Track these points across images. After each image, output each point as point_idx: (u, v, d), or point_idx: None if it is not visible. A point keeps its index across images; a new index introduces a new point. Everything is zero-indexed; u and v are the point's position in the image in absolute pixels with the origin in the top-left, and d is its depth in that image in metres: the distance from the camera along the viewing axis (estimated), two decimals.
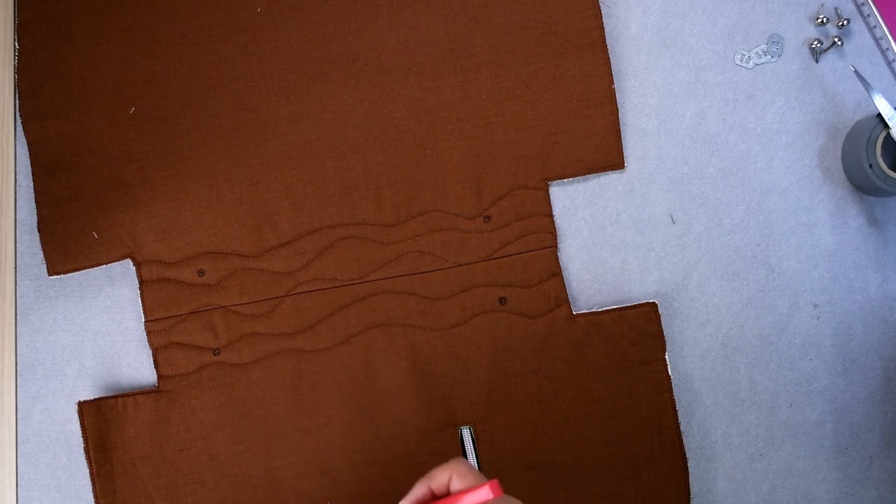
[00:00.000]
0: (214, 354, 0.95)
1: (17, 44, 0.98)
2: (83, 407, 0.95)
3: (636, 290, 0.96)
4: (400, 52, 0.96)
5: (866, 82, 0.93)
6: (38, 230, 0.97)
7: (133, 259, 0.96)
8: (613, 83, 0.95)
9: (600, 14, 0.95)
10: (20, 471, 0.98)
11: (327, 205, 0.95)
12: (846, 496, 0.96)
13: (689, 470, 0.94)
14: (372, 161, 0.95)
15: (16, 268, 0.99)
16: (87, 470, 0.95)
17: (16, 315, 0.99)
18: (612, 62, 0.95)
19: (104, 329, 0.98)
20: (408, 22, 0.96)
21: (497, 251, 0.95)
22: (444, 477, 0.73)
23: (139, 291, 0.96)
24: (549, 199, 0.95)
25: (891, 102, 0.90)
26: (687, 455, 0.94)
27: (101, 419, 0.95)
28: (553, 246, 0.95)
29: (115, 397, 0.95)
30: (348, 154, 0.95)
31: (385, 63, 0.96)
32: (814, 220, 0.96)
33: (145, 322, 0.96)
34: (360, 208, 0.95)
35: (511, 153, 0.95)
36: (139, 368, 0.98)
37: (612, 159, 0.95)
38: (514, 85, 0.95)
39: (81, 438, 0.96)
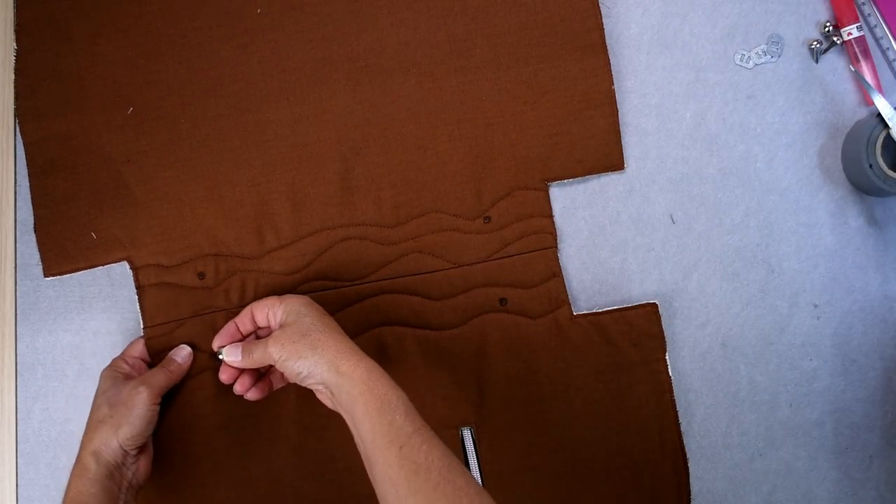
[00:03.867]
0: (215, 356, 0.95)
1: (15, 44, 0.98)
2: None
3: (636, 291, 0.96)
4: (400, 54, 0.95)
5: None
6: (35, 231, 0.96)
7: (130, 263, 0.96)
8: (613, 84, 0.95)
9: (600, 15, 0.95)
10: (20, 471, 0.98)
11: (328, 206, 0.95)
12: (846, 496, 0.96)
13: (690, 470, 0.94)
14: (372, 162, 0.95)
15: (16, 268, 0.99)
16: None
17: (16, 315, 0.99)
18: (612, 62, 0.95)
19: (104, 329, 0.98)
20: (408, 23, 0.95)
21: (497, 252, 0.95)
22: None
23: (137, 297, 0.96)
24: (550, 200, 0.95)
25: (891, 102, 0.90)
26: (687, 455, 0.94)
27: None
28: (553, 246, 0.95)
29: None
30: (349, 155, 0.95)
31: (385, 64, 0.96)
32: (814, 220, 0.96)
33: (144, 328, 0.96)
34: (361, 209, 0.95)
35: (511, 154, 0.95)
36: None
37: (612, 160, 0.95)
38: (514, 86, 0.95)
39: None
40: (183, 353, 0.94)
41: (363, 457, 0.79)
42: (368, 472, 0.78)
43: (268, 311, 0.89)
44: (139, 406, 0.87)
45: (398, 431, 0.76)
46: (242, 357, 0.89)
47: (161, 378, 0.91)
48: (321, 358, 0.83)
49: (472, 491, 0.74)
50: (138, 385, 0.89)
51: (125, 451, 0.86)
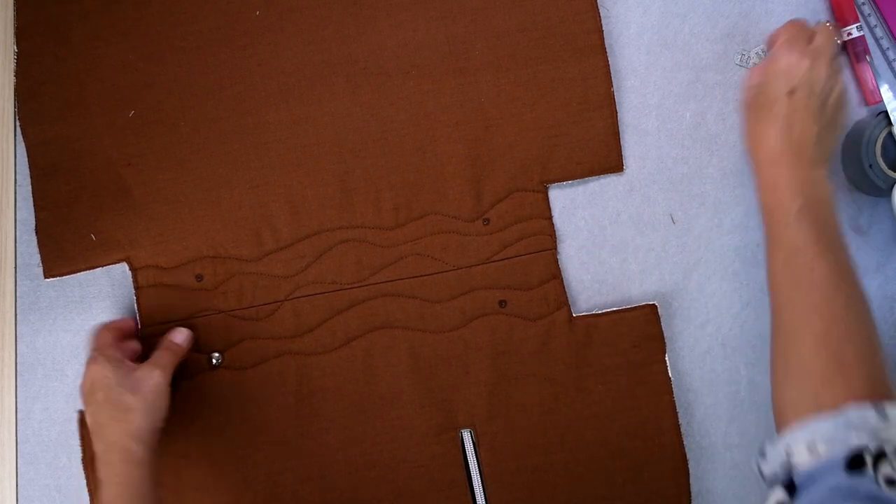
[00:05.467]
0: (213, 360, 0.95)
1: (15, 47, 0.98)
2: (84, 415, 0.95)
3: (636, 291, 0.96)
4: (399, 55, 0.95)
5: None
6: (36, 233, 0.96)
7: (129, 264, 0.96)
8: (612, 86, 0.95)
9: (599, 17, 0.95)
10: (20, 471, 0.98)
11: (327, 208, 0.95)
12: None
13: (689, 470, 0.94)
14: (371, 164, 0.95)
15: (16, 268, 0.99)
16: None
17: (16, 315, 0.99)
18: (612, 62, 0.95)
19: None
20: (407, 25, 0.95)
21: (496, 254, 0.95)
22: None
23: (135, 298, 0.96)
24: (549, 202, 0.95)
25: (891, 104, 0.90)
26: (687, 455, 0.94)
27: None
28: (552, 248, 0.95)
29: None
30: (348, 157, 0.95)
31: (384, 66, 0.95)
32: None
33: (141, 328, 0.96)
34: (360, 211, 0.95)
35: (510, 156, 0.95)
36: None
37: (611, 162, 0.95)
38: (513, 87, 0.95)
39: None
40: (182, 336, 0.94)
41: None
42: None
43: None
44: (161, 388, 0.88)
45: (788, 242, 0.77)
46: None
47: (167, 358, 0.91)
48: (749, 146, 0.86)
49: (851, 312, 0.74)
50: (152, 369, 0.89)
51: (156, 433, 0.87)
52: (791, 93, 0.82)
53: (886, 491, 0.61)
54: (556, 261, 0.95)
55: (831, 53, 0.85)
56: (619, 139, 0.95)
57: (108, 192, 0.96)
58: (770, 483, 0.71)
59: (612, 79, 0.95)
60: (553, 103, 0.95)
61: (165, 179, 0.96)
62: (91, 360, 0.89)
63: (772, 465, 0.71)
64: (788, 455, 0.69)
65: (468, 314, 0.95)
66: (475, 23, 0.95)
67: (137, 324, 0.96)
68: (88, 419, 0.88)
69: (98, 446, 0.86)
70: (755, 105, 0.85)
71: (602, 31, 0.95)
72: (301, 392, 0.95)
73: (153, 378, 0.88)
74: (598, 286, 0.96)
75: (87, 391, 0.88)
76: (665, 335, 0.94)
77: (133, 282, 0.96)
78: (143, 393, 0.87)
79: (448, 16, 0.95)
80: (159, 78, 0.97)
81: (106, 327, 0.93)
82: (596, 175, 0.95)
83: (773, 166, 0.80)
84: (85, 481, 0.95)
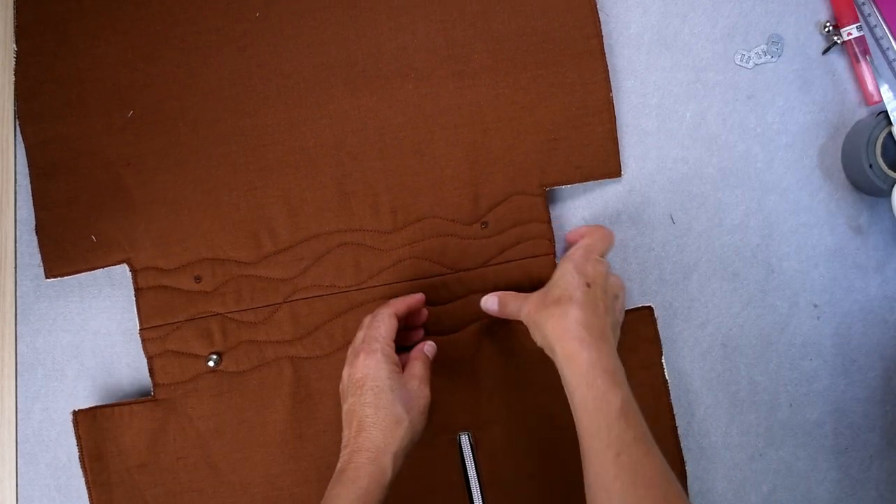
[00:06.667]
0: (211, 362, 0.95)
1: (15, 46, 0.97)
2: (78, 416, 0.95)
3: (636, 291, 0.96)
4: (398, 58, 0.95)
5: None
6: (36, 233, 0.96)
7: (129, 265, 0.96)
8: (611, 91, 0.94)
9: (599, 22, 0.94)
10: (20, 471, 0.98)
11: (325, 211, 0.95)
12: (846, 496, 0.96)
13: (689, 470, 0.94)
14: (369, 167, 0.95)
15: (16, 268, 0.99)
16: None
17: (16, 315, 0.99)
18: (611, 62, 0.95)
19: (104, 329, 0.98)
20: (406, 28, 0.95)
21: (495, 257, 0.94)
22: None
23: (135, 299, 0.96)
24: (547, 206, 0.95)
25: (891, 105, 0.90)
26: (687, 455, 0.94)
27: (97, 428, 0.95)
28: (551, 253, 0.95)
29: (111, 406, 0.95)
30: (346, 160, 0.95)
31: (383, 69, 0.95)
32: (814, 220, 0.96)
33: (140, 330, 0.96)
34: (358, 214, 0.95)
35: (509, 159, 0.94)
36: (139, 369, 0.98)
37: (609, 167, 0.95)
38: (512, 91, 0.94)
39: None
40: (430, 349, 0.90)
41: (580, 449, 0.77)
42: (583, 465, 0.76)
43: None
44: (425, 410, 0.84)
45: (616, 438, 0.74)
46: (499, 308, 0.90)
47: (426, 371, 0.86)
48: (550, 334, 0.81)
49: None
50: (424, 387, 0.84)
51: (403, 458, 0.82)
52: (588, 285, 0.82)
53: None
54: (556, 264, 0.94)
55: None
56: (617, 144, 0.95)
57: (108, 192, 0.96)
58: None
59: (612, 79, 0.95)
60: (552, 108, 0.94)
61: (164, 180, 0.96)
62: (370, 351, 0.83)
63: None
64: None
65: (466, 318, 0.94)
66: (474, 27, 0.95)
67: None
68: (345, 407, 0.83)
69: (348, 447, 0.81)
70: (552, 295, 0.83)
71: (601, 36, 0.94)
72: (299, 395, 0.95)
73: (424, 398, 0.84)
74: None
75: (357, 382, 0.82)
76: (665, 335, 0.94)
77: (133, 283, 0.96)
78: (414, 411, 0.82)
79: (447, 19, 0.95)
80: (159, 78, 0.96)
81: (396, 312, 0.87)
82: (594, 179, 0.95)
83: (582, 349, 0.78)
84: (84, 481, 0.95)
